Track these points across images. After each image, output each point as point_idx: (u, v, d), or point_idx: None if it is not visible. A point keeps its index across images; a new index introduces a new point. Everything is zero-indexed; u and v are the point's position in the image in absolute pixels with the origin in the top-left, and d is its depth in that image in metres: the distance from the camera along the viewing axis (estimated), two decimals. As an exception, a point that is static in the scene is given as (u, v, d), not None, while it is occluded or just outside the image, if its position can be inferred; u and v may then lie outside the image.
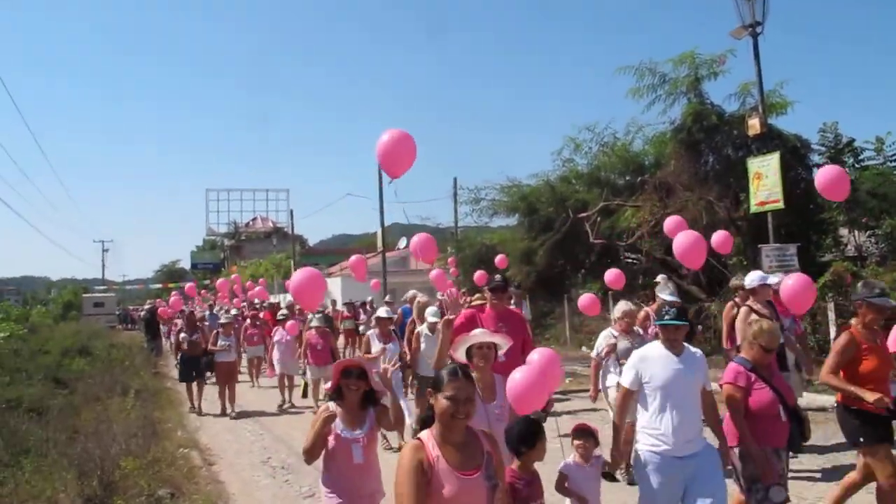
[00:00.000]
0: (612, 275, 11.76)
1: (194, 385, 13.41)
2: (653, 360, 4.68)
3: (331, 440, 4.26)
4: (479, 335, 4.62)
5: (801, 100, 17.69)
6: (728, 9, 13.60)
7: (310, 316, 12.92)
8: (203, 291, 41.77)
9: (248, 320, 16.86)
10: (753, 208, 13.55)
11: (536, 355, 4.78)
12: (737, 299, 8.63)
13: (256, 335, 15.76)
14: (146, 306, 34.04)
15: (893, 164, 16.64)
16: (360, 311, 20.55)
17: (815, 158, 16.97)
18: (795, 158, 16.11)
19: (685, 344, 4.75)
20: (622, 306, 7.54)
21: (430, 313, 9.45)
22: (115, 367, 17.12)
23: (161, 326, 24.58)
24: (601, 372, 7.47)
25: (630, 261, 19.15)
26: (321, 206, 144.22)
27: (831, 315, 12.84)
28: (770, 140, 14.71)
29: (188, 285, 33.26)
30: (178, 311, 22.50)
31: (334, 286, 34.88)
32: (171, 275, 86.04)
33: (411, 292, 14.05)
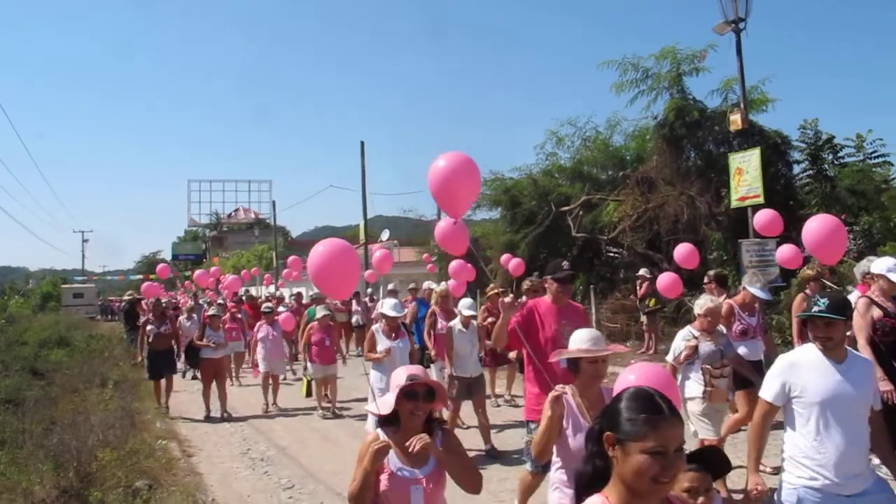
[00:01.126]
0: (683, 251, 11.04)
1: (163, 382, 12.19)
2: (806, 367, 3.64)
3: (383, 480, 3.23)
4: (591, 345, 3.73)
5: (782, 96, 17.77)
6: (712, 4, 13.68)
7: (319, 308, 12.13)
8: (187, 283, 41.40)
9: (228, 314, 15.33)
10: (734, 203, 13.63)
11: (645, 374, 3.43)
12: (807, 291, 8.51)
13: (236, 330, 14.65)
14: (126, 297, 33.71)
15: (872, 161, 16.79)
16: (353, 302, 19.74)
17: (796, 155, 17.11)
18: (776, 154, 16.22)
19: (849, 348, 3.72)
20: (705, 301, 6.34)
21: (465, 306, 8.92)
22: (94, 358, 17.01)
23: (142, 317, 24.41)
24: (679, 379, 6.14)
25: (612, 255, 19.24)
26: (304, 198, 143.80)
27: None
28: (751, 136, 14.78)
29: (161, 265, 30.07)
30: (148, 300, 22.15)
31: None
32: (151, 266, 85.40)
33: (426, 284, 13.49)
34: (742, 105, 13.81)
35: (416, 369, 3.39)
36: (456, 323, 8.80)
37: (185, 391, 14.07)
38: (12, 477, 7.03)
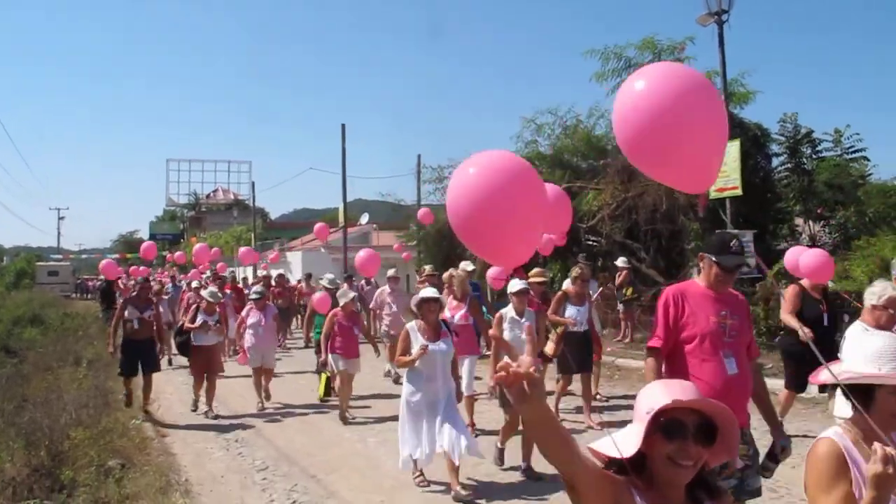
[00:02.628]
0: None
1: (138, 380, 10.24)
2: None
3: None
4: None
5: (763, 89, 17.83)
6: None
7: (341, 291, 10.62)
8: (167, 266, 40.94)
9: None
10: (712, 194, 13.71)
11: None
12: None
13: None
14: (102, 276, 33.30)
15: (850, 156, 16.96)
16: (346, 286, 18.91)
17: (775, 148, 17.23)
18: (755, 147, 16.32)
19: None
20: (884, 289, 5.19)
21: (518, 287, 7.30)
22: (68, 336, 16.89)
23: (119, 297, 24.16)
24: None
25: (591, 243, 19.29)
26: (284, 180, 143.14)
27: (783, 301, 13.08)
28: (731, 128, 14.80)
29: (146, 243, 23.93)
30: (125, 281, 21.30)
31: (294, 260, 34.73)
32: (129, 245, 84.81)
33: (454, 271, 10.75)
34: (723, 97, 13.87)
35: (688, 388, 2.00)
36: (508, 310, 7.27)
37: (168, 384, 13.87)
38: (-18, 455, 6.97)
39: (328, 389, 10.49)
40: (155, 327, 10.41)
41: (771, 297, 13.51)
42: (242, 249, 20.55)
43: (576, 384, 9.30)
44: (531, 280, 8.76)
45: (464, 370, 8.20)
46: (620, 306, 15.25)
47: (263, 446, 8.43)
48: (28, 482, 6.35)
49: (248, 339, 10.80)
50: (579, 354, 8.68)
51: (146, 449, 8.18)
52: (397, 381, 11.91)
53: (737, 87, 17.00)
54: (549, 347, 8.08)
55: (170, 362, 14.83)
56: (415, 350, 6.34)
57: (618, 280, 15.27)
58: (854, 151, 17.00)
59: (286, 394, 11.49)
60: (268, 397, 10.84)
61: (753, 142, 16.16)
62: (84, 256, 79.16)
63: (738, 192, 12.94)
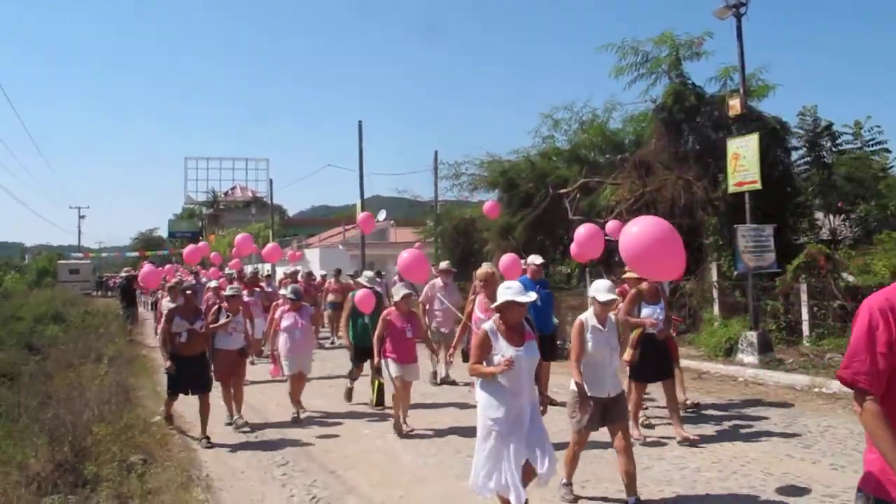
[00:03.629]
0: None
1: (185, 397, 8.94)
2: None
3: None
4: None
5: (782, 82, 17.64)
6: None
7: (396, 286, 9.55)
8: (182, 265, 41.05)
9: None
10: (731, 188, 13.63)
11: None
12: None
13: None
14: (122, 273, 33.49)
15: (870, 149, 16.78)
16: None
17: (794, 142, 17.09)
18: (774, 141, 16.19)
19: None
20: None
21: (603, 289, 5.98)
22: (89, 333, 17.04)
23: (139, 294, 24.36)
24: None
25: (608, 238, 19.25)
26: (301, 177, 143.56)
27: (804, 296, 13.01)
28: (750, 121, 14.75)
29: (189, 248, 20.70)
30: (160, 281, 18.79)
31: (312, 257, 34.85)
32: (148, 243, 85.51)
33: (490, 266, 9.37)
34: (741, 90, 13.79)
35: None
36: (588, 317, 6.01)
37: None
38: (7, 450, 7.08)
39: (381, 397, 9.55)
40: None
41: (791, 292, 13.43)
42: (269, 246, 19.54)
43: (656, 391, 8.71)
44: (627, 276, 8.30)
45: None
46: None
47: (283, 442, 8.48)
48: (52, 477, 6.44)
49: (283, 343, 9.69)
50: (659, 359, 7.80)
51: (167, 444, 8.26)
52: (445, 382, 11.82)
53: (755, 81, 16.87)
54: (628, 354, 7.67)
55: None
56: (497, 359, 5.15)
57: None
58: (875, 144, 16.82)
59: (308, 395, 10.70)
60: (302, 412, 9.77)
61: (772, 135, 16.03)
62: (104, 255, 79.85)
63: (758, 186, 12.85)
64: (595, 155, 21.74)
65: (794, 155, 17.13)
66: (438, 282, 12.10)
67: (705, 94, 17.18)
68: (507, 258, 9.74)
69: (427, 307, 11.97)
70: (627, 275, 8.47)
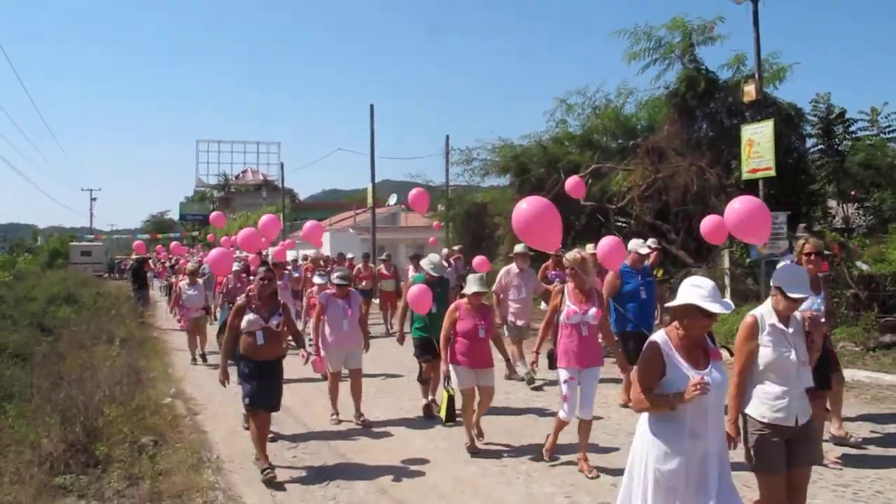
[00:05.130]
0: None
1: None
2: None
3: None
4: None
5: (797, 68, 17.43)
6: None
7: (472, 276, 7.54)
8: (198, 245, 41.08)
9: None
10: (745, 175, 13.53)
11: None
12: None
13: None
14: (134, 256, 33.62)
15: (887, 136, 16.59)
16: (383, 266, 17.24)
17: (808, 129, 16.93)
18: (789, 127, 16.06)
19: None
20: None
21: (793, 280, 4.43)
22: (101, 315, 17.11)
23: (151, 277, 24.40)
24: None
25: (620, 224, 19.16)
26: (312, 160, 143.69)
27: (818, 284, 12.92)
28: (765, 108, 14.62)
29: (247, 229, 18.96)
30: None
31: (324, 241, 34.88)
32: (159, 225, 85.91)
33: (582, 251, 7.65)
34: (756, 76, 13.65)
35: None
36: (765, 311, 4.49)
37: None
38: (20, 430, 7.11)
39: (452, 411, 7.60)
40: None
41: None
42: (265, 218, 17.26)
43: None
44: (806, 251, 5.86)
45: (585, 387, 6.53)
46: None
47: (293, 425, 8.50)
48: (64, 457, 6.47)
49: (328, 335, 8.55)
50: (819, 364, 5.43)
51: (178, 426, 8.31)
52: (532, 383, 10.14)
53: (768, 66, 16.69)
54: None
55: (204, 359, 13.37)
56: (679, 385, 3.74)
57: (649, 262, 15.14)
58: (892, 131, 16.63)
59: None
60: (361, 418, 8.58)
61: (787, 122, 15.90)
62: (116, 237, 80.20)
63: (772, 172, 12.75)
64: (607, 140, 21.64)
65: (808, 142, 16.99)
66: (514, 267, 10.77)
67: (718, 80, 17.04)
68: (608, 242, 8.04)
69: (501, 297, 10.69)
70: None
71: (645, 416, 3.93)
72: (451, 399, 7.52)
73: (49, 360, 10.74)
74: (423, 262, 9.33)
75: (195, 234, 55.56)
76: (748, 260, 13.93)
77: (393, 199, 41.38)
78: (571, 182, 8.32)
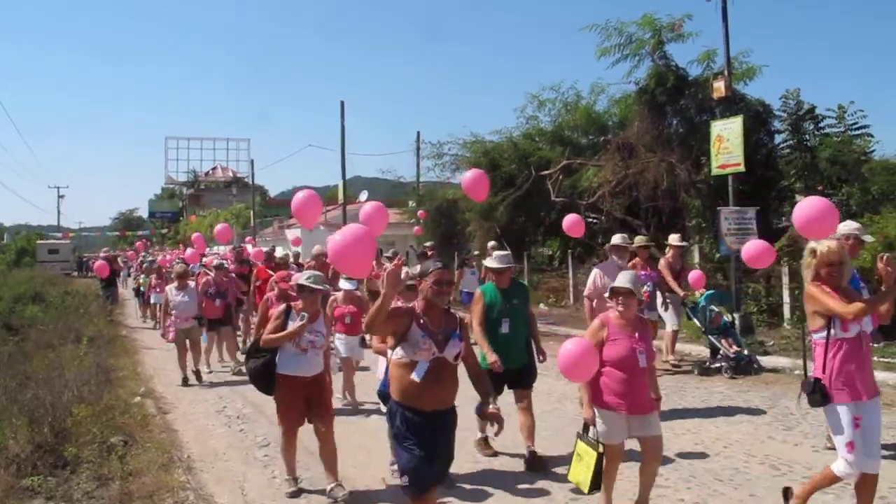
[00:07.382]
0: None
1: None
2: None
3: None
4: None
5: (767, 65, 17.61)
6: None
7: (624, 274, 5.43)
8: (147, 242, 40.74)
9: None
10: (714, 171, 13.65)
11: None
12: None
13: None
14: (102, 253, 33.11)
15: (853, 132, 16.83)
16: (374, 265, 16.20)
17: (777, 125, 17.13)
18: (758, 123, 16.25)
19: None
20: None
21: None
22: (69, 314, 16.88)
23: (121, 274, 24.13)
24: None
25: (591, 220, 19.26)
26: (282, 157, 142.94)
27: (785, 279, 13.11)
28: (734, 104, 14.76)
29: (220, 226, 18.65)
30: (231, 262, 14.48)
31: (292, 236, 34.69)
32: (128, 223, 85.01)
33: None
34: (726, 72, 13.77)
35: None
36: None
37: (168, 361, 13.86)
38: (-14, 431, 6.98)
39: (598, 477, 5.04)
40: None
41: (772, 275, 13.51)
42: (218, 227, 16.34)
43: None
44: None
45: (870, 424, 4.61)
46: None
47: (264, 423, 8.43)
48: (31, 459, 6.37)
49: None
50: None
51: (148, 426, 8.20)
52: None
53: (738, 64, 16.86)
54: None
55: (198, 377, 11.19)
56: None
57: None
58: (858, 128, 16.88)
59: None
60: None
61: (756, 118, 16.08)
62: (84, 234, 79.15)
63: (741, 168, 12.89)
64: (578, 136, 21.77)
65: (777, 138, 17.20)
66: (610, 265, 8.15)
67: (688, 77, 17.19)
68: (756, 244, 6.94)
69: (596, 304, 7.72)
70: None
71: None
72: (599, 460, 5.01)
73: (15, 360, 10.58)
74: (488, 262, 7.12)
75: (164, 231, 55.01)
76: (718, 255, 14.06)
77: (364, 196, 41.14)
78: (570, 220, 7.98)
